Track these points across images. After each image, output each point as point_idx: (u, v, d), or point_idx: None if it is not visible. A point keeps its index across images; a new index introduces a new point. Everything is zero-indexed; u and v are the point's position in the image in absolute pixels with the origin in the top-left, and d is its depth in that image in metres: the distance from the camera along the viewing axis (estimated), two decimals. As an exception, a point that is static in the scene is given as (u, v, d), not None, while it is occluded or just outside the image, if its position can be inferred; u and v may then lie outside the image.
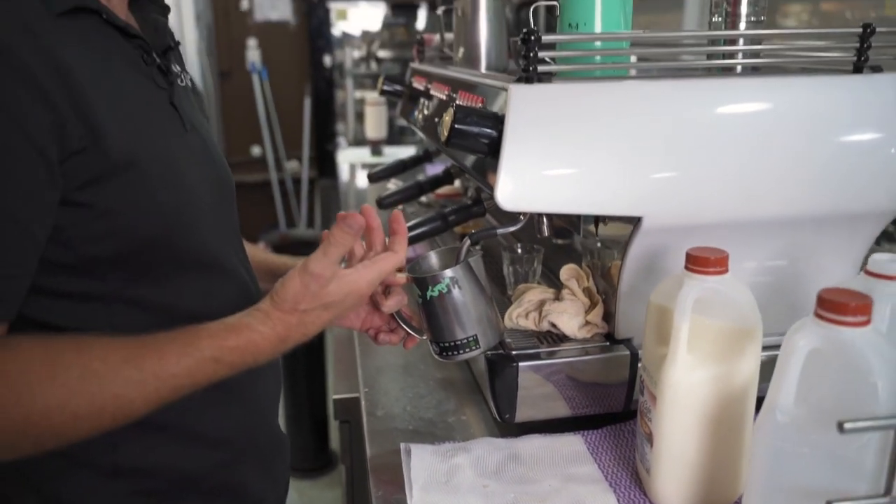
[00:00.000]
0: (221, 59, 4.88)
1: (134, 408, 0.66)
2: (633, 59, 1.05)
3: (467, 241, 0.92)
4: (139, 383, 0.66)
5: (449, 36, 1.51)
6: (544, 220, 0.96)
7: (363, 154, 3.22)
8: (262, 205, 4.96)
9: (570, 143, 0.84)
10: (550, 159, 0.84)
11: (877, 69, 0.94)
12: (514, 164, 0.83)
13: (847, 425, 0.57)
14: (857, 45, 0.91)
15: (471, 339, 0.88)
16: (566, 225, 1.17)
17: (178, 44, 0.86)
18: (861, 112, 0.91)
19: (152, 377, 0.66)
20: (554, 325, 0.99)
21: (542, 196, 0.84)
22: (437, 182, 1.42)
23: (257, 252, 1.03)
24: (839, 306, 0.63)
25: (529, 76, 0.85)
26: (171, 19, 0.84)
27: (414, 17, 4.51)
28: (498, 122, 0.84)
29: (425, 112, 1.35)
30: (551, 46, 0.87)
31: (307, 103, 4.88)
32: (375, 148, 3.18)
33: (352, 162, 3.14)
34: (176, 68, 0.82)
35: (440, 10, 1.48)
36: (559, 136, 0.84)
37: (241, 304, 0.75)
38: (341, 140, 3.91)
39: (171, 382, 0.67)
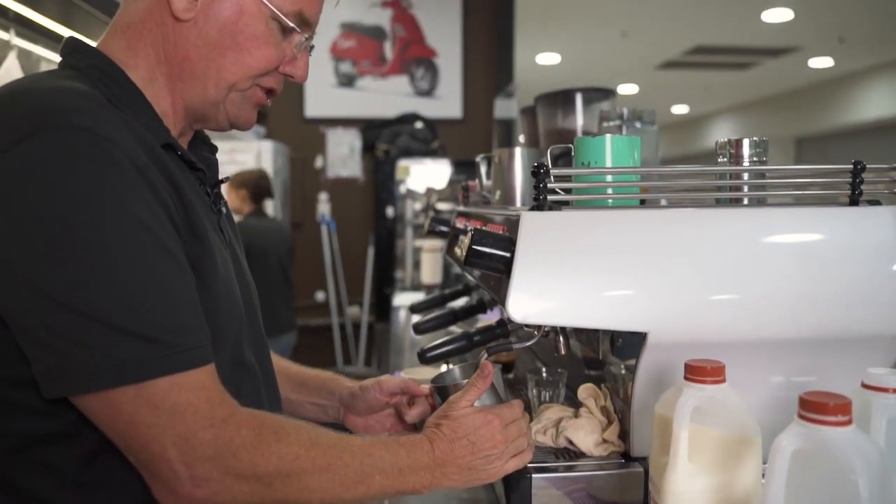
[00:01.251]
0: (294, 211, 5.26)
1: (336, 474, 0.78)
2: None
3: (484, 354, 0.99)
4: (334, 446, 0.79)
5: (489, 182, 1.65)
6: (560, 338, 1.02)
7: (418, 297, 3.35)
8: (322, 347, 5.10)
9: (575, 264, 0.92)
10: (557, 277, 0.91)
11: (874, 203, 1.00)
12: (523, 281, 0.91)
13: (825, 520, 0.58)
14: (850, 180, 0.98)
15: None
16: (590, 351, 1.22)
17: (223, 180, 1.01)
18: (859, 241, 0.96)
19: (338, 438, 0.80)
20: (571, 442, 1.02)
21: (550, 311, 0.91)
22: (470, 310, 1.50)
23: (291, 365, 1.12)
24: (819, 406, 0.65)
25: (540, 204, 0.94)
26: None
27: (474, 174, 4.80)
28: (511, 244, 0.93)
29: (463, 247, 1.45)
30: (567, 179, 0.98)
31: (370, 252, 5.14)
32: (430, 292, 3.31)
33: (407, 306, 3.26)
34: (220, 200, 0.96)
35: (479, 158, 1.63)
36: (566, 257, 0.92)
37: (261, 401, 0.82)
38: (398, 285, 4.08)
39: (353, 446, 0.79)
